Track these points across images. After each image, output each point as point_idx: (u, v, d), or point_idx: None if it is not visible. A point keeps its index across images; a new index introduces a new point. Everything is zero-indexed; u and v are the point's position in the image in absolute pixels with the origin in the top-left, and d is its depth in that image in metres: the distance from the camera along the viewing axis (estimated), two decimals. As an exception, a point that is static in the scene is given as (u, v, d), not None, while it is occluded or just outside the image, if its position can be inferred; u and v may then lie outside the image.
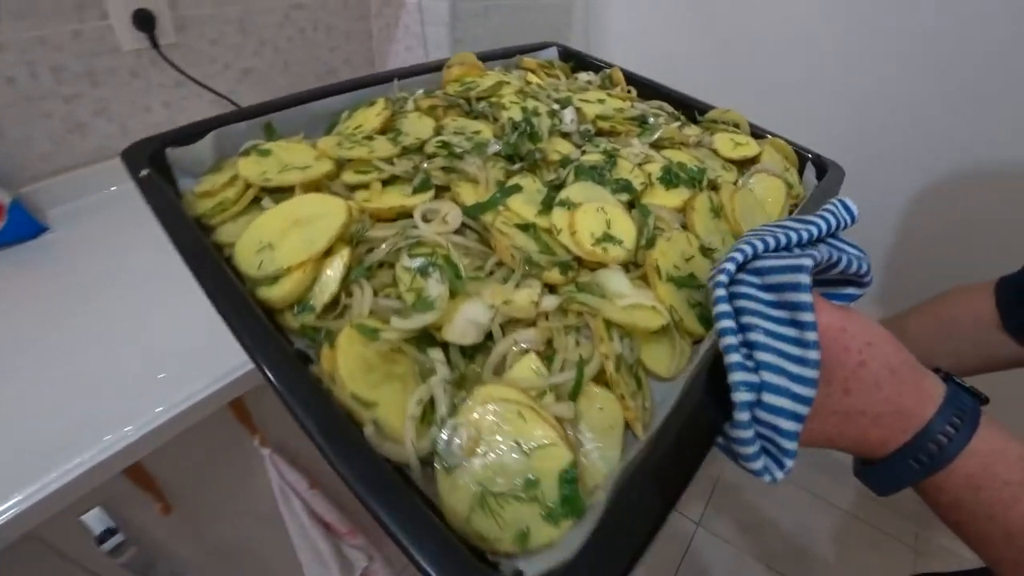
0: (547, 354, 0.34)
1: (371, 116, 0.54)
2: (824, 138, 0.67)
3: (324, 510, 0.79)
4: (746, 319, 0.32)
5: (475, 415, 0.30)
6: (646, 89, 0.68)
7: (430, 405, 0.32)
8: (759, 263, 0.33)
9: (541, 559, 0.26)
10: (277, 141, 0.52)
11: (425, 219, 0.41)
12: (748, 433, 0.30)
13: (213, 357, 0.59)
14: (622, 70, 0.69)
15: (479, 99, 0.58)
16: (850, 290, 0.38)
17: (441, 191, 0.46)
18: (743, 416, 0.30)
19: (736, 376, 0.30)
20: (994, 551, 0.30)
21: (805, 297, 0.30)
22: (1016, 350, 0.54)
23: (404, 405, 0.31)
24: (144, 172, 0.45)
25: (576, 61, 0.74)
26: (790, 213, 0.54)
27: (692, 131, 0.59)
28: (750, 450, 0.30)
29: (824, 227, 0.38)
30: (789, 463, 0.31)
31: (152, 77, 0.90)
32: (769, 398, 0.30)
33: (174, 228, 0.40)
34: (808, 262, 0.31)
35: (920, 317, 0.59)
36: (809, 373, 0.30)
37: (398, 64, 1.20)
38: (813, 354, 0.30)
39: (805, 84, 1.07)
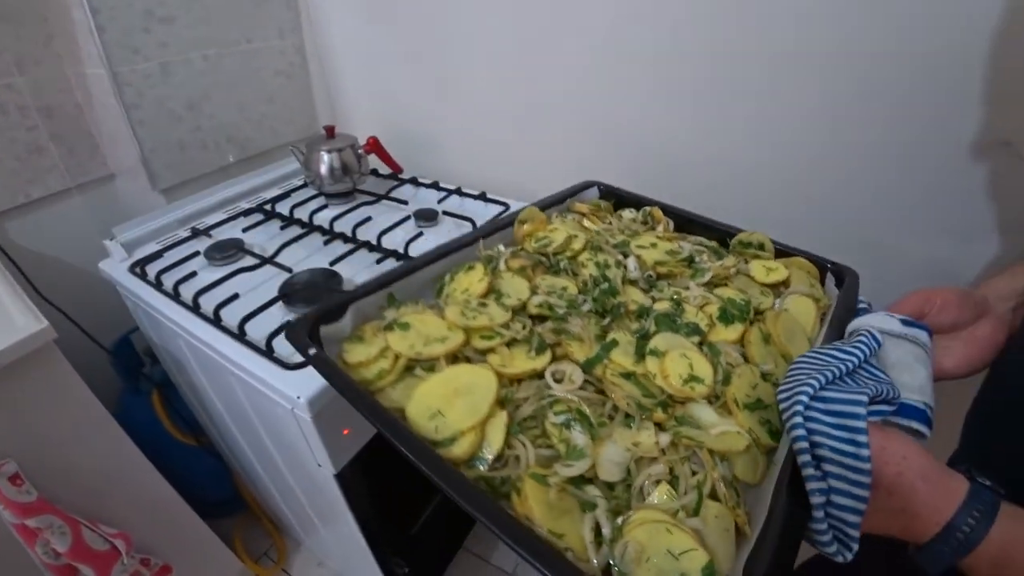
0: (668, 480, 0.52)
1: (475, 282, 0.72)
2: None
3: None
4: (815, 438, 0.49)
5: (635, 533, 0.47)
6: (680, 219, 0.88)
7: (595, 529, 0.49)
8: (825, 393, 0.50)
9: None
10: (400, 308, 0.71)
11: (555, 379, 0.59)
12: (823, 526, 0.46)
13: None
14: (659, 204, 0.90)
15: (555, 254, 0.78)
16: (882, 407, 0.54)
17: (549, 347, 0.65)
18: (819, 514, 0.46)
19: (812, 485, 0.46)
20: None
21: (862, 424, 0.46)
22: None
23: (579, 532, 0.48)
24: (312, 350, 0.63)
25: (616, 199, 0.95)
26: (821, 321, 0.73)
27: (730, 261, 0.78)
28: (826, 538, 0.47)
29: (862, 357, 0.56)
30: (855, 546, 0.47)
31: None
32: (837, 499, 0.46)
33: (355, 398, 0.56)
34: (864, 399, 0.48)
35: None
36: (864, 479, 0.45)
37: (118, 139, 1.20)
38: (867, 466, 0.45)
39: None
